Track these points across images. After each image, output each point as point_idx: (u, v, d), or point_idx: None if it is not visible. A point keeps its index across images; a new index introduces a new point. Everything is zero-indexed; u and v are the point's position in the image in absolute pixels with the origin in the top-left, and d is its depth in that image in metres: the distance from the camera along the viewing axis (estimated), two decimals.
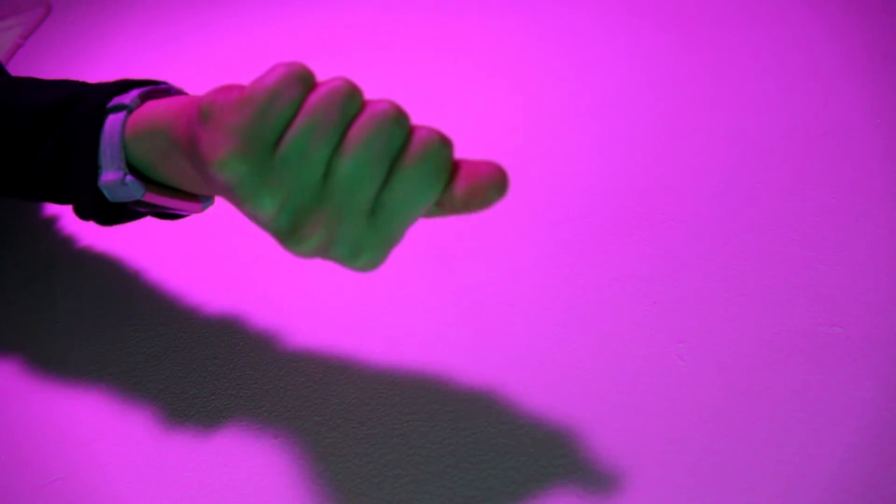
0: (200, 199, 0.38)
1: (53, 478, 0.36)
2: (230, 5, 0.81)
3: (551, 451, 0.32)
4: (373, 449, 0.34)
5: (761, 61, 0.51)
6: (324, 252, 0.25)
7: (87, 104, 0.35)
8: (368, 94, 0.59)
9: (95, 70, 0.76)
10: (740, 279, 0.37)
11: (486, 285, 0.40)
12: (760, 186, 0.42)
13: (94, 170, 0.34)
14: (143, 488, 0.35)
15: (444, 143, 0.24)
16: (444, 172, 0.24)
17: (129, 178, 0.33)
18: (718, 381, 0.33)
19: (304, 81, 0.24)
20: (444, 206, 0.25)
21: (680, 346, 0.35)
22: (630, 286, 0.38)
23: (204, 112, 0.25)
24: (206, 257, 0.48)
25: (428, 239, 0.44)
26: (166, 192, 0.35)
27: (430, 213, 0.26)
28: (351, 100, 0.24)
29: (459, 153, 0.51)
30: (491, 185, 0.24)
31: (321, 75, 0.63)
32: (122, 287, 0.47)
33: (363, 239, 0.24)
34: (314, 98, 0.24)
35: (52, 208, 0.57)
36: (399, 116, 0.24)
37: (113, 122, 0.34)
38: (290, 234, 0.24)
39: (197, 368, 0.40)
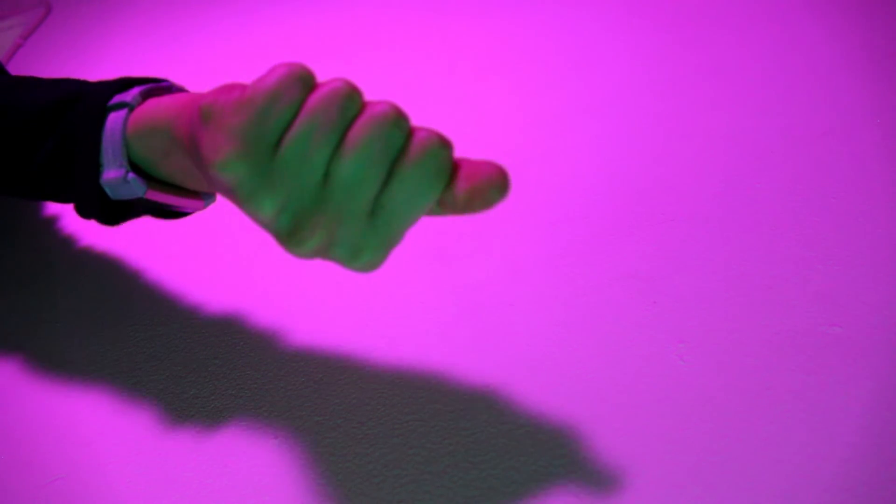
0: (202, 196, 0.37)
1: (53, 478, 0.36)
2: (230, 5, 0.81)
3: (551, 451, 0.32)
4: (373, 449, 0.34)
5: (761, 61, 0.51)
6: (324, 253, 0.25)
7: (88, 103, 0.35)
8: (368, 95, 0.59)
9: (95, 70, 0.76)
10: (740, 279, 0.37)
11: (486, 285, 0.40)
12: (760, 186, 0.42)
13: (95, 168, 0.34)
14: (143, 488, 0.35)
15: (444, 144, 0.24)
16: (444, 174, 0.24)
17: (130, 175, 0.33)
18: (718, 381, 0.33)
19: (304, 82, 0.24)
20: (445, 206, 0.25)
21: (680, 346, 0.35)
22: (630, 286, 0.38)
23: (205, 113, 0.25)
24: (205, 257, 0.48)
25: (428, 239, 0.44)
26: (168, 190, 0.35)
27: (431, 212, 0.26)
28: (350, 101, 0.24)
29: (459, 153, 0.51)
30: (492, 185, 0.24)
31: (321, 76, 0.63)
32: (122, 287, 0.47)
33: (363, 240, 0.24)
34: (313, 100, 0.24)
35: (52, 208, 0.57)
36: (398, 118, 0.24)
37: (114, 119, 0.34)
38: (290, 235, 0.24)
39: (197, 368, 0.40)
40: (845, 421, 0.30)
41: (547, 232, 0.43)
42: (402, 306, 0.41)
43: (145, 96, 0.35)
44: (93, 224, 0.53)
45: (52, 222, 0.55)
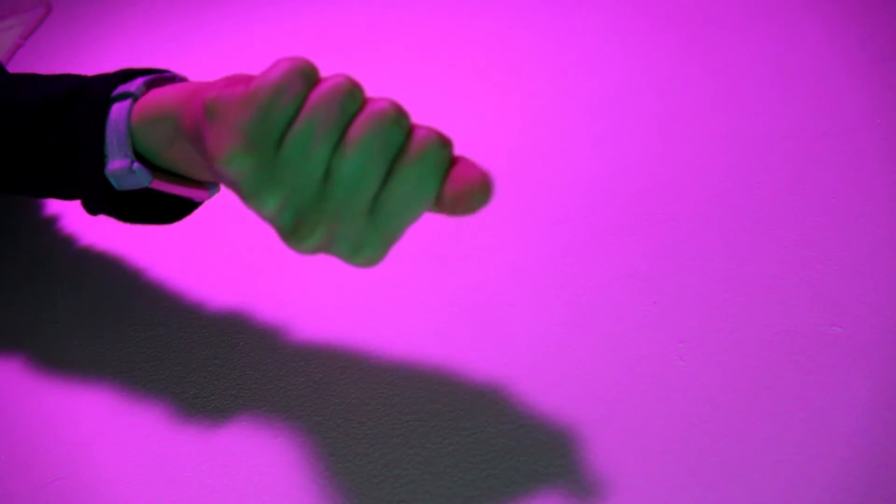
0: (207, 186, 0.37)
1: (53, 478, 0.36)
2: (230, 5, 0.81)
3: (551, 451, 0.32)
4: (373, 449, 0.34)
5: (761, 61, 0.51)
6: (325, 249, 0.25)
7: (91, 95, 0.35)
8: (369, 93, 0.59)
9: (95, 70, 0.76)
10: (740, 279, 0.37)
11: (486, 285, 0.41)
12: (760, 186, 0.42)
13: (100, 158, 0.34)
14: (143, 488, 0.35)
15: (444, 143, 0.24)
16: (443, 172, 0.24)
17: (136, 164, 0.33)
18: (718, 381, 0.33)
19: (307, 77, 0.24)
20: (438, 205, 0.25)
21: (680, 346, 0.35)
22: (630, 286, 0.38)
23: (209, 109, 0.25)
24: (206, 257, 0.48)
25: (428, 239, 0.44)
26: (173, 179, 0.35)
27: (430, 209, 0.26)
28: (351, 98, 0.24)
29: (459, 152, 0.51)
30: (474, 192, 0.24)
31: (322, 73, 0.63)
32: (122, 287, 0.47)
33: (363, 237, 0.24)
34: (315, 96, 0.24)
35: (52, 207, 0.57)
36: (398, 116, 0.24)
37: (119, 109, 0.34)
38: (292, 232, 0.24)
39: (197, 368, 0.40)
40: (845, 421, 0.30)
41: (547, 232, 0.43)
42: (402, 306, 0.41)
43: (149, 86, 0.35)
44: (93, 224, 0.53)
45: (52, 222, 0.55)
